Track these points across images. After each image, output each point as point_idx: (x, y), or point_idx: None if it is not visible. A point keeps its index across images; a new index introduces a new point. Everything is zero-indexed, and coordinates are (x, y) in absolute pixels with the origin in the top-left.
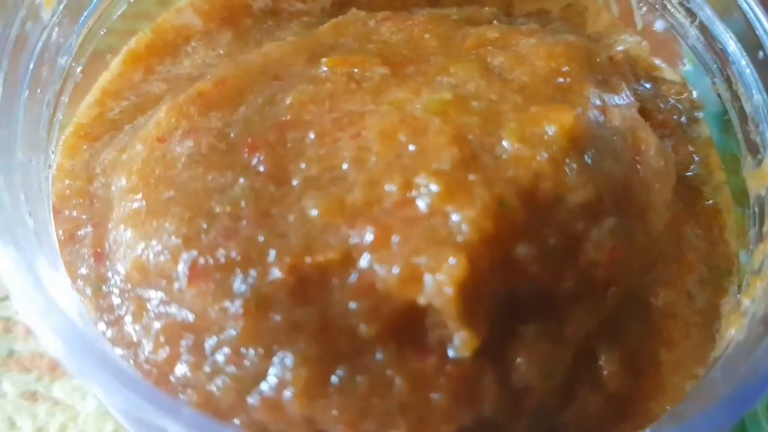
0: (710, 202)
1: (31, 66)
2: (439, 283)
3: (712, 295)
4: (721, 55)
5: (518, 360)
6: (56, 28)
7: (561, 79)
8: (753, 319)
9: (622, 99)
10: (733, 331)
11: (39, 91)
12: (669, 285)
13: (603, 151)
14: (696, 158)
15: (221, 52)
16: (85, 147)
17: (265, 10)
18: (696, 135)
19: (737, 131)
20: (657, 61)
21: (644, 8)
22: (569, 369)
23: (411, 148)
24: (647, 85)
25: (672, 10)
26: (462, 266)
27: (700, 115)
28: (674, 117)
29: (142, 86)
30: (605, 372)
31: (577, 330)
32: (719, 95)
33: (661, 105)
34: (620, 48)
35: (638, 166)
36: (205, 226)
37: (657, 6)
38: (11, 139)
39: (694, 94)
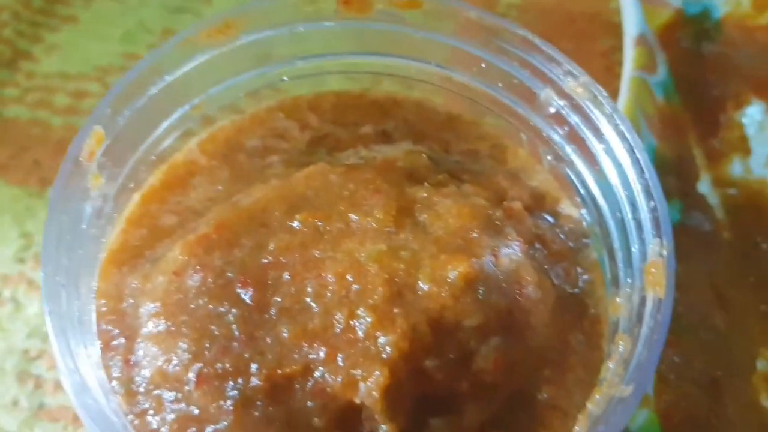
0: (592, 311)
1: (84, 228)
2: (369, 388)
3: (585, 394)
4: (596, 205)
5: None
6: (99, 198)
7: (466, 233)
8: (591, 421)
9: (511, 247)
10: (579, 426)
11: (90, 244)
12: (552, 383)
13: (491, 288)
14: (584, 277)
15: (220, 188)
16: (114, 272)
17: (256, 147)
18: (585, 258)
19: (606, 266)
20: (561, 195)
21: (549, 156)
22: None
23: (355, 287)
24: (549, 219)
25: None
26: (385, 376)
27: (588, 242)
28: (569, 244)
29: (157, 217)
30: None
31: (473, 421)
32: (597, 233)
33: (559, 234)
34: (534, 183)
35: (519, 298)
36: (207, 345)
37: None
38: (71, 285)
39: (584, 224)
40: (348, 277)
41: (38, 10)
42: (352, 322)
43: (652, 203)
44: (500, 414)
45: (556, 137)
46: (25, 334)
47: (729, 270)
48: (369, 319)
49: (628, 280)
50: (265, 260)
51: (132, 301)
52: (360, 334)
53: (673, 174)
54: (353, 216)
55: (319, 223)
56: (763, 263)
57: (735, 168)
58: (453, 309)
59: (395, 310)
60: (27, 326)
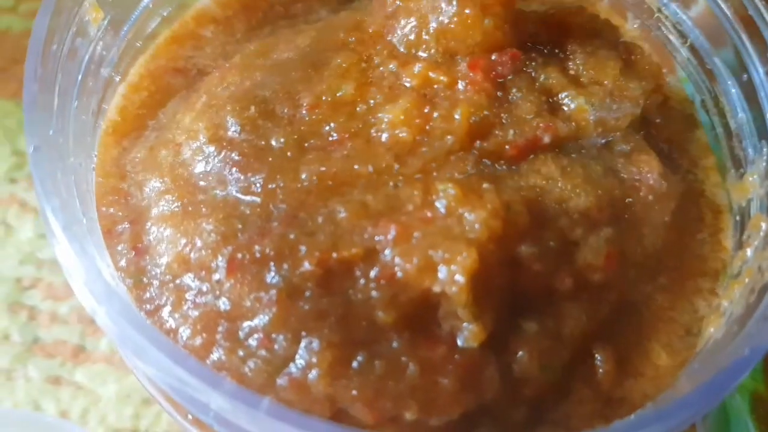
0: (713, 202)
1: (80, 77)
2: (452, 272)
3: (705, 299)
4: (710, 75)
5: (519, 353)
6: (100, 42)
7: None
8: (729, 319)
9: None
10: (712, 330)
11: (86, 99)
12: (667, 291)
13: (605, 167)
14: (700, 162)
15: (238, 37)
16: (113, 145)
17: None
18: (695, 141)
19: (723, 145)
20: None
21: (637, 23)
22: (566, 365)
23: (429, 148)
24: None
25: (665, 31)
26: (473, 259)
27: (698, 122)
28: (678, 125)
29: (161, 77)
30: (600, 370)
31: (574, 329)
32: (707, 111)
33: (667, 114)
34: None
35: (640, 186)
36: (239, 226)
37: (650, 26)
38: (65, 145)
39: (692, 101)
40: (419, 134)
41: None
42: (429, 198)
43: None
44: (606, 324)
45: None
46: (17, 261)
47: None
48: (452, 192)
49: (762, 154)
50: (301, 120)
51: (135, 177)
52: (441, 210)
53: None
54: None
55: (376, 63)
56: None
57: None
58: (557, 188)
59: (485, 185)
60: (19, 252)
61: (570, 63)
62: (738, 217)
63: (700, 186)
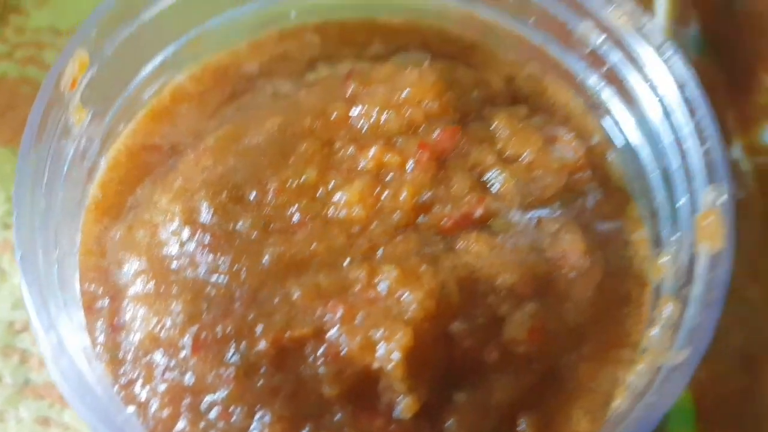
0: (638, 277)
1: (65, 170)
2: (390, 350)
3: (625, 369)
4: (636, 159)
5: (449, 422)
6: (84, 137)
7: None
8: (632, 393)
9: (556, 205)
10: (618, 401)
11: (72, 189)
12: (590, 361)
13: (531, 246)
14: (629, 237)
15: (210, 115)
16: (95, 223)
17: (253, 72)
18: (627, 215)
19: (646, 224)
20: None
21: (580, 100)
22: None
23: (378, 236)
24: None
25: (604, 112)
26: (408, 337)
27: (630, 197)
28: (611, 201)
29: (139, 154)
30: None
31: (501, 399)
32: (635, 189)
33: (601, 190)
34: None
35: (563, 264)
36: (205, 306)
37: (591, 104)
38: (49, 234)
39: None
40: (372, 212)
41: None
42: (374, 279)
43: (706, 146)
44: (532, 393)
45: (591, 82)
46: (10, 305)
47: (762, 240)
48: (394, 274)
49: (673, 238)
50: (267, 204)
51: (116, 256)
52: (383, 291)
53: None
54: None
55: (337, 147)
56: None
57: (766, 135)
58: (486, 267)
59: (423, 267)
60: (12, 296)
61: (499, 140)
62: (654, 294)
63: (628, 260)
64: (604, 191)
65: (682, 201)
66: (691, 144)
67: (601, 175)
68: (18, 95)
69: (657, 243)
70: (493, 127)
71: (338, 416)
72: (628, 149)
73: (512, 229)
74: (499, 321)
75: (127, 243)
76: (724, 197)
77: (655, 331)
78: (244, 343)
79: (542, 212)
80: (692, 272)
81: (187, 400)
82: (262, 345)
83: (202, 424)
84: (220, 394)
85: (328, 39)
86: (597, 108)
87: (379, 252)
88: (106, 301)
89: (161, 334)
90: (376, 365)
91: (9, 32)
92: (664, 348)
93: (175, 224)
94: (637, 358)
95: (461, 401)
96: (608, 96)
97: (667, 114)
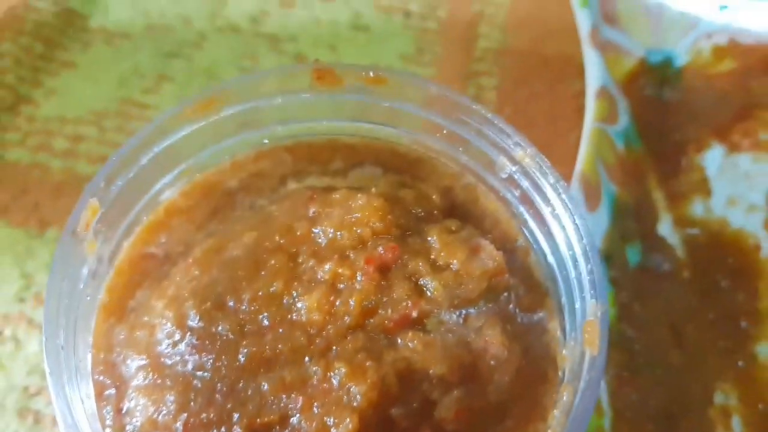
0: (551, 362)
1: (81, 286)
2: None
3: None
4: (546, 264)
5: None
6: (95, 261)
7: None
8: None
9: (481, 303)
10: None
11: (86, 304)
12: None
13: (457, 340)
14: (545, 327)
15: (197, 226)
16: (104, 323)
17: (234, 187)
18: (545, 307)
19: (557, 319)
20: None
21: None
22: None
23: (333, 339)
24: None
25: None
26: (354, 423)
27: (549, 293)
28: (532, 295)
29: (137, 263)
30: None
31: None
32: (549, 288)
33: (524, 285)
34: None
35: (485, 354)
36: (192, 396)
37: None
38: (69, 331)
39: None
40: (327, 317)
41: (39, 55)
42: (328, 374)
43: (590, 266)
44: None
45: (510, 197)
46: (25, 372)
47: (688, 308)
48: (343, 371)
49: (573, 335)
50: (243, 311)
51: (120, 352)
52: (335, 384)
53: (633, 218)
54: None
55: (300, 261)
56: (722, 300)
57: (696, 209)
58: (420, 360)
59: (367, 363)
60: (27, 364)
61: (432, 251)
62: (560, 380)
63: (546, 346)
64: (526, 287)
65: (578, 306)
66: (582, 262)
67: (524, 273)
68: (30, 179)
69: (564, 336)
70: (429, 240)
71: None
72: (541, 254)
73: (443, 326)
74: (432, 404)
75: (129, 341)
76: (603, 310)
77: (557, 413)
78: (224, 428)
79: (469, 311)
80: (580, 369)
81: None
82: (239, 430)
83: None
84: None
85: (298, 157)
86: (517, 217)
87: (333, 350)
88: (113, 391)
89: (159, 419)
90: None
91: (21, 121)
92: (561, 430)
93: (169, 327)
94: None
95: None
96: (523, 211)
97: (565, 233)
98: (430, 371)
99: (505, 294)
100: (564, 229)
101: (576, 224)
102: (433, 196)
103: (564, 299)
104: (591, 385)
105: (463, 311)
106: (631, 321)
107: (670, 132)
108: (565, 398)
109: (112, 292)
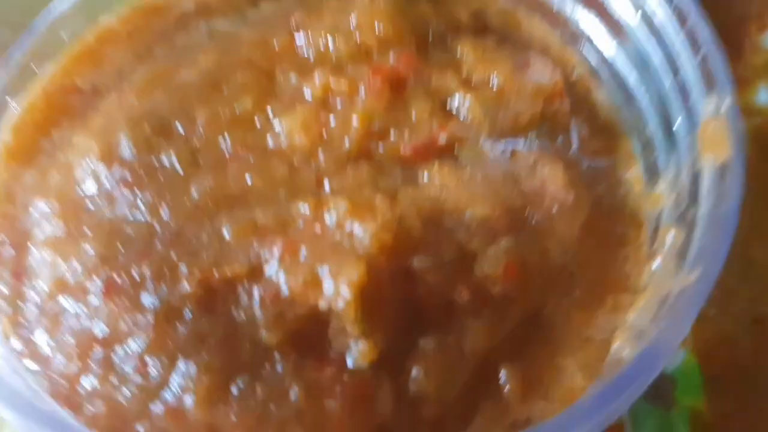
0: (634, 215)
1: None
2: (339, 287)
3: (624, 313)
4: (624, 87)
5: (415, 371)
6: None
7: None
8: (634, 333)
9: (534, 136)
10: (617, 344)
11: None
12: (584, 307)
13: (505, 177)
14: (622, 175)
15: (140, 54)
16: (4, 167)
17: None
18: (619, 151)
19: (639, 156)
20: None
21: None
22: (470, 384)
23: (323, 159)
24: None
25: (586, 42)
26: (361, 273)
27: (620, 132)
28: (599, 137)
29: (58, 97)
30: (506, 389)
31: (476, 346)
32: (625, 121)
33: (587, 125)
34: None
35: (543, 198)
36: (120, 247)
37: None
38: None
39: (612, 112)
40: (317, 141)
41: None
42: (320, 212)
43: (701, 53)
44: (514, 341)
45: (567, 10)
46: None
47: (762, 200)
48: (342, 206)
49: (671, 162)
50: (197, 136)
51: (24, 201)
52: (329, 223)
53: None
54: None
55: (278, 78)
56: None
57: (761, 96)
58: (452, 198)
59: (377, 198)
60: None
61: (463, 67)
62: (652, 230)
63: (622, 199)
64: (591, 128)
65: (679, 121)
66: (684, 56)
67: (587, 111)
68: None
69: (652, 175)
70: (457, 55)
71: (279, 366)
72: (614, 78)
73: (482, 159)
74: (470, 257)
75: (39, 187)
76: (728, 102)
77: (656, 264)
78: (164, 285)
79: (516, 144)
80: (696, 192)
81: (97, 353)
82: (186, 286)
83: (114, 380)
84: (136, 343)
85: None
86: (576, 39)
87: (326, 185)
88: (11, 250)
89: (70, 279)
90: (323, 305)
91: None
92: (668, 277)
93: (92, 162)
94: (635, 297)
95: (428, 348)
96: (587, 23)
97: (653, 30)
98: (467, 214)
99: (566, 132)
100: (653, 18)
101: (674, 6)
102: (461, 16)
103: (652, 126)
104: (726, 198)
105: (509, 143)
106: None
107: (731, 5)
108: (669, 241)
109: (19, 133)
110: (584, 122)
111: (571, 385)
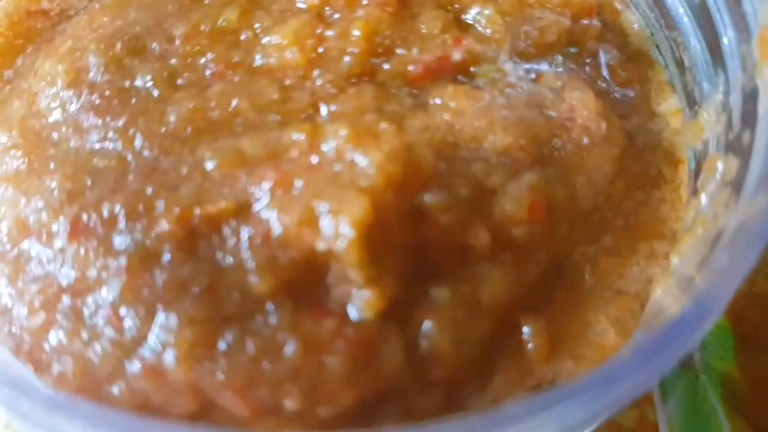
0: (671, 152)
1: None
2: (339, 225)
3: (660, 265)
4: (659, 4)
5: (426, 324)
6: None
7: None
8: (679, 277)
9: (559, 59)
10: (659, 291)
11: None
12: (615, 255)
13: (528, 103)
14: (653, 108)
15: None
16: None
17: None
18: (651, 82)
19: (676, 84)
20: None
21: None
22: (488, 339)
23: (318, 79)
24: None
25: None
26: (364, 208)
27: (655, 60)
28: (630, 66)
29: (23, 23)
30: (529, 345)
31: (495, 296)
32: (658, 47)
33: (618, 51)
34: None
35: (572, 127)
36: (89, 182)
37: None
38: None
39: (647, 35)
40: (312, 57)
41: None
42: (317, 141)
43: None
44: (537, 291)
45: None
46: None
47: None
48: (342, 132)
49: (717, 84)
50: (174, 53)
51: None
52: (327, 153)
53: None
54: None
55: None
56: None
57: None
58: (467, 126)
59: (382, 125)
60: None
61: None
62: (694, 164)
63: (656, 135)
64: (621, 54)
65: (729, 33)
66: None
67: (616, 36)
68: None
69: (691, 104)
70: None
71: (272, 318)
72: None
73: (503, 80)
74: (489, 195)
75: None
76: None
77: (703, 201)
78: (139, 224)
79: (542, 66)
80: (752, 112)
81: (64, 303)
82: (164, 225)
83: (84, 334)
84: (108, 291)
85: None
86: None
87: (323, 110)
88: None
89: (31, 219)
90: (321, 246)
91: None
92: (720, 212)
93: (58, 87)
94: (678, 240)
95: (441, 299)
96: None
97: None
98: (485, 143)
99: (594, 56)
100: None
101: None
102: None
103: (693, 47)
104: None
105: (534, 64)
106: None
107: None
108: (719, 172)
109: None
110: (613, 48)
111: (602, 343)
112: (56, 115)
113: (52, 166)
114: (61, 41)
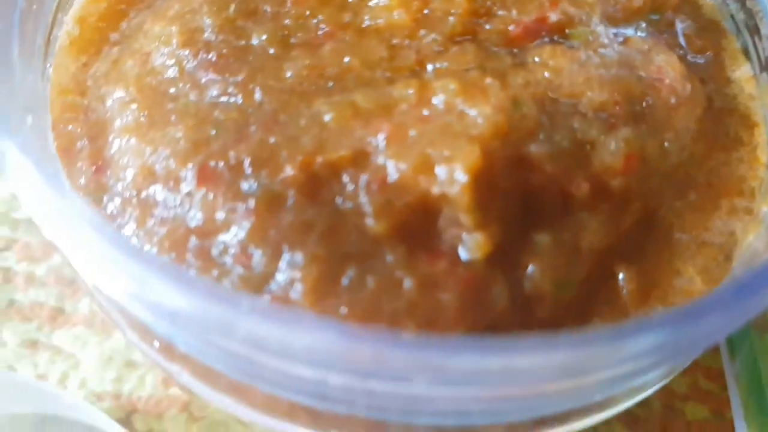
0: (747, 115)
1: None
2: (453, 170)
3: (741, 220)
4: None
5: (530, 268)
6: None
7: None
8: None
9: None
10: (751, 238)
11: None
12: (699, 210)
13: (621, 63)
14: (728, 74)
15: None
16: (72, 59)
17: None
18: (725, 50)
19: (751, 52)
20: None
21: None
22: (585, 285)
23: (429, 40)
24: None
25: None
26: (476, 155)
27: (727, 29)
28: (706, 35)
29: None
30: (624, 291)
31: (593, 243)
32: (733, 17)
33: (693, 21)
34: None
35: (660, 87)
36: (213, 132)
37: None
38: (7, 35)
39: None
40: (418, 18)
41: None
42: (427, 95)
43: None
44: (630, 241)
45: None
46: None
47: None
48: (452, 87)
49: None
50: (286, 14)
51: (97, 92)
52: (439, 107)
53: None
54: None
55: None
56: None
57: None
58: (566, 83)
59: (487, 80)
60: None
61: None
62: None
63: (732, 99)
64: (695, 23)
65: None
66: None
67: (690, 8)
68: None
69: (766, 70)
70: None
71: (389, 257)
72: None
73: (596, 42)
74: (588, 147)
75: (112, 76)
76: None
77: None
78: (264, 170)
79: (628, 31)
80: None
81: (193, 244)
82: (289, 171)
83: (214, 272)
84: (237, 233)
85: None
86: None
87: (429, 67)
88: (86, 142)
89: (157, 167)
90: (435, 190)
91: None
92: None
93: (173, 47)
94: (764, 190)
95: (544, 244)
96: None
97: None
98: (584, 100)
99: (671, 27)
100: None
101: None
102: None
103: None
104: None
105: (621, 29)
106: None
107: None
108: None
109: (84, 23)
110: (687, 18)
111: (690, 289)
112: (172, 73)
113: (173, 118)
114: (168, 6)
